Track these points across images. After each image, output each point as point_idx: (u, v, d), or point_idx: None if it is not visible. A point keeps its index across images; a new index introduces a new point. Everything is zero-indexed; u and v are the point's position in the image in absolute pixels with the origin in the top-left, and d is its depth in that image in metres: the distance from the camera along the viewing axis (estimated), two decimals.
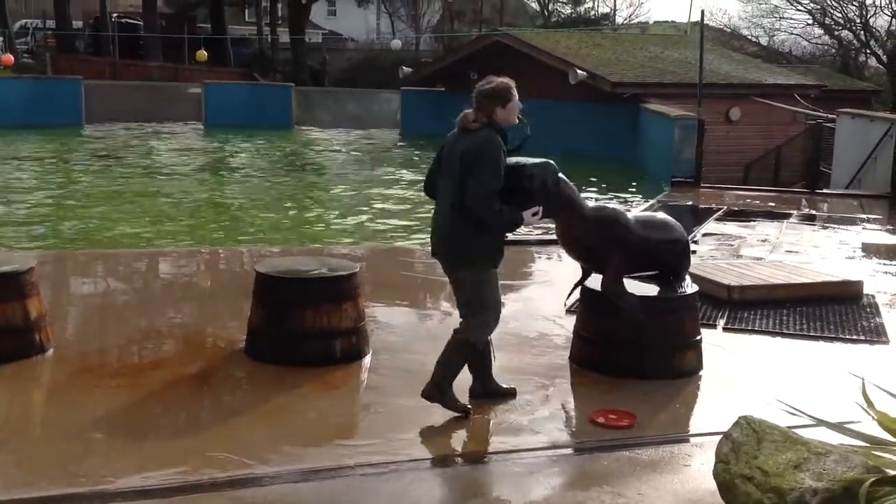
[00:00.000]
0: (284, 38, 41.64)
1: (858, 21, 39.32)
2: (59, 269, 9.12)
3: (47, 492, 4.09)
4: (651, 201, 15.11)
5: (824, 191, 17.55)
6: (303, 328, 5.94)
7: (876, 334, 7.13)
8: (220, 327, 6.90)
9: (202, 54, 33.10)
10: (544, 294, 8.12)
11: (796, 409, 3.63)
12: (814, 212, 14.87)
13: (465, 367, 5.24)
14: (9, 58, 32.40)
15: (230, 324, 6.82)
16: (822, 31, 41.79)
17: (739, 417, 3.70)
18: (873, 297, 8.27)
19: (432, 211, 5.28)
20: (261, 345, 6.10)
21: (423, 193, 5.47)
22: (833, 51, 41.47)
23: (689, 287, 6.14)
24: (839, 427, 3.71)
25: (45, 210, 14.79)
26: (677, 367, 5.93)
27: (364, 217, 14.78)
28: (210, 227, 13.90)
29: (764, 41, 44.10)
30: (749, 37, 44.63)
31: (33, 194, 16.31)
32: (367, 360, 6.17)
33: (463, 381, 5.25)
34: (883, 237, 12.34)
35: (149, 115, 30.05)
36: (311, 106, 31.77)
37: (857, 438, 3.57)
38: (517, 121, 5.10)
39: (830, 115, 19.56)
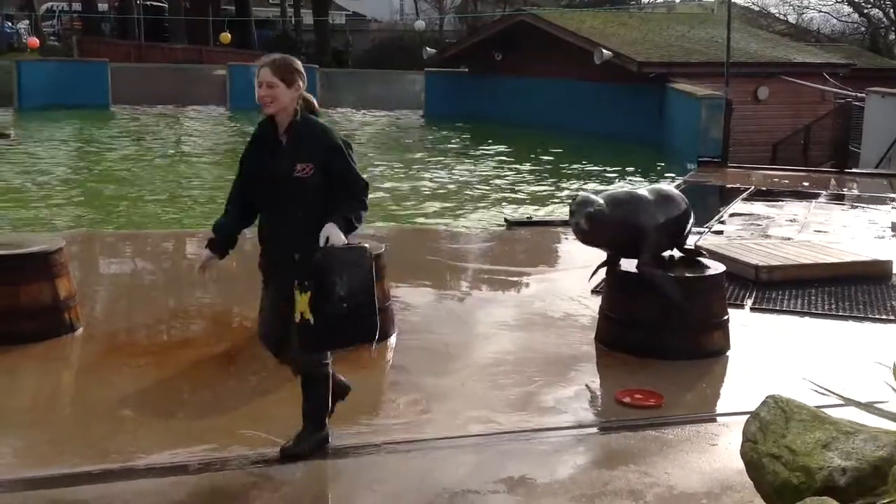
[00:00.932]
0: (308, 19, 41.58)
1: None
2: (88, 250, 9.20)
3: (78, 468, 4.15)
4: (678, 181, 15.01)
5: (853, 170, 17.36)
6: None
7: None
8: (247, 307, 6.91)
9: (226, 36, 33.11)
10: (569, 274, 8.10)
11: (824, 389, 3.60)
12: (843, 191, 14.73)
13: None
14: (35, 41, 32.63)
15: (256, 303, 6.83)
16: (851, 9, 41.21)
17: (767, 397, 3.67)
18: None
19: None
20: None
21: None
22: (862, 29, 40.89)
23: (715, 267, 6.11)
24: (867, 406, 3.67)
25: (73, 191, 14.90)
26: (704, 347, 5.91)
27: (388, 198, 14.78)
28: None
29: (792, 19, 43.56)
30: (777, 15, 44.07)
31: (61, 176, 16.42)
32: (393, 340, 6.18)
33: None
34: None
35: (174, 97, 30.14)
36: (334, 87, 31.73)
37: (886, 418, 3.53)
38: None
39: (860, 94, 19.32)
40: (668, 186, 6.44)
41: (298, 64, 4.22)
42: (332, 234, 3.97)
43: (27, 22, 39.92)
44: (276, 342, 4.27)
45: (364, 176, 4.18)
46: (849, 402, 3.72)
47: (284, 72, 4.09)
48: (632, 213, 5.86)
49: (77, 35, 38.06)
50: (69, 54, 34.33)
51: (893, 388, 3.61)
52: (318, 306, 3.94)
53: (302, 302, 3.95)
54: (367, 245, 4.23)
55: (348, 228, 4.05)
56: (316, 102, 4.34)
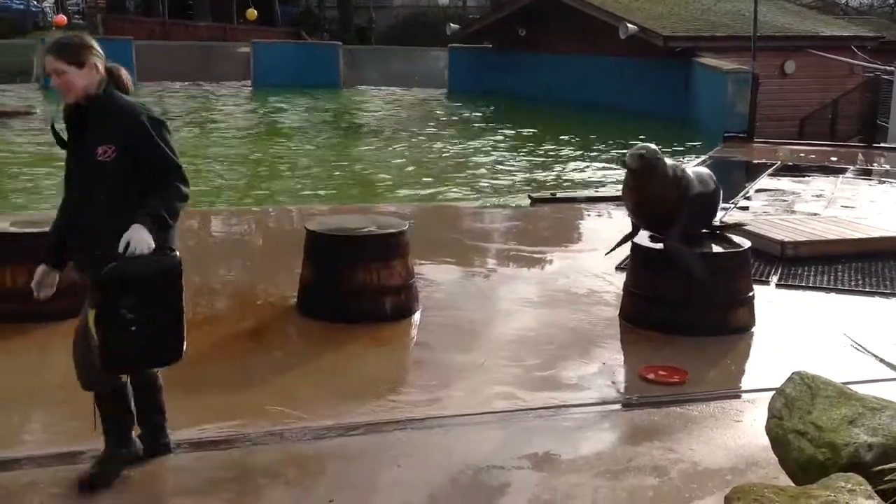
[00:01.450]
0: None
1: None
2: None
3: None
4: (703, 157, 14.90)
5: (881, 145, 17.15)
6: (353, 285, 5.99)
7: None
8: (272, 284, 6.97)
9: (252, 13, 33.07)
10: (594, 251, 8.07)
11: (861, 346, 3.57)
12: (870, 166, 14.56)
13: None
14: (62, 18, 32.76)
15: (281, 281, 6.90)
16: None
17: (793, 373, 3.66)
18: None
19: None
20: (312, 302, 6.17)
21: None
22: (891, 1, 40.26)
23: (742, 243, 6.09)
24: None
25: None
26: (729, 324, 5.89)
27: (413, 175, 14.78)
28: (260, 186, 14.00)
29: None
30: None
31: None
32: (417, 317, 6.21)
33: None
34: None
35: (199, 74, 30.21)
36: (358, 65, 31.67)
37: None
38: None
39: (888, 68, 19.06)
40: (702, 168, 6.42)
41: (88, 40, 3.69)
42: (134, 238, 3.47)
43: (52, 0, 40.10)
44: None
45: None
46: (886, 363, 3.67)
47: (71, 54, 3.58)
48: (678, 182, 5.84)
49: (102, 13, 38.23)
50: (94, 32, 34.42)
51: None
52: (104, 326, 3.48)
53: (90, 317, 3.53)
54: (177, 254, 3.72)
55: (160, 226, 3.60)
56: (128, 77, 3.81)
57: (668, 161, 6.00)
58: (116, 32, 32.66)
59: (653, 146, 5.88)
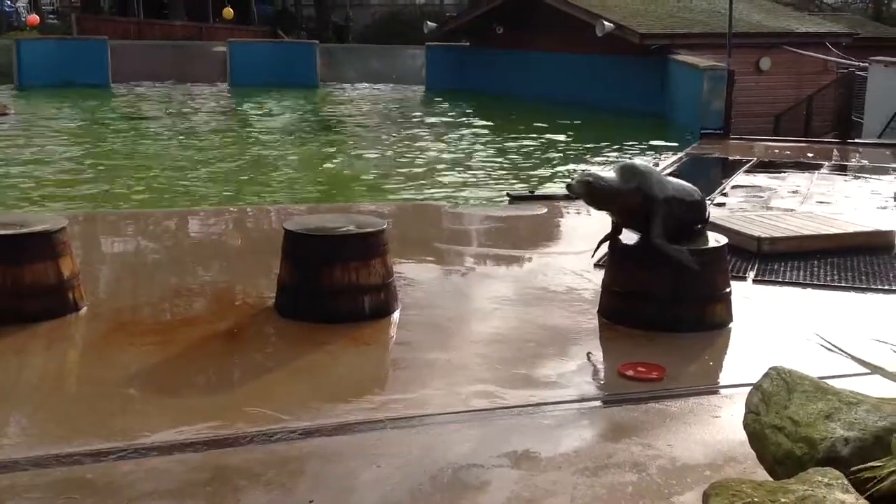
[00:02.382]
0: None
1: None
2: (91, 229, 9.21)
3: (85, 447, 4.17)
4: (680, 154, 14.97)
5: (856, 140, 17.29)
6: (332, 285, 5.97)
7: None
8: (250, 285, 6.95)
9: (228, 12, 32.91)
10: (572, 249, 8.10)
11: (833, 345, 3.59)
12: (845, 162, 14.68)
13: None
14: (34, 18, 32.51)
15: (260, 281, 6.88)
16: None
17: (770, 368, 3.69)
18: None
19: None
20: (290, 302, 6.14)
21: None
22: None
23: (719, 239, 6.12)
24: (870, 365, 3.65)
25: (75, 170, 14.89)
26: (707, 320, 5.92)
27: (390, 174, 14.77)
28: (237, 185, 13.95)
29: None
30: None
31: (62, 155, 16.41)
32: (396, 315, 6.20)
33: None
34: None
35: (174, 74, 30.03)
36: (335, 63, 31.59)
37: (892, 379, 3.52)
38: None
39: (862, 64, 19.21)
40: (687, 183, 6.46)
41: None
42: None
43: (26, 0, 39.72)
44: None
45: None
46: (856, 360, 3.69)
47: None
48: (643, 182, 5.87)
49: (76, 13, 37.90)
50: (68, 32, 34.19)
51: None
52: None
53: None
54: None
55: None
56: None
57: (626, 169, 6.00)
58: (90, 32, 32.42)
59: (596, 172, 6.01)
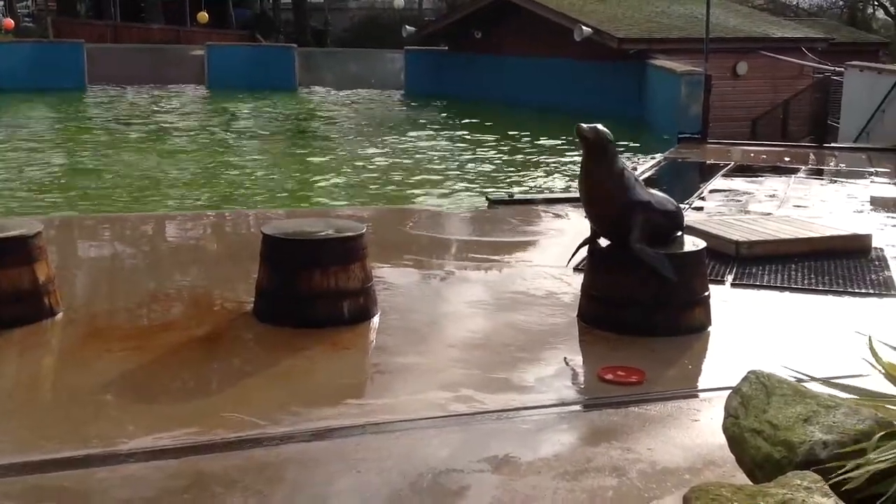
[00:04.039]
0: None
1: None
2: (66, 234, 9.12)
3: (60, 454, 4.12)
4: (658, 157, 15.03)
5: (832, 145, 17.43)
6: (311, 289, 5.94)
7: (885, 287, 7.11)
8: (228, 290, 6.90)
9: (203, 16, 32.82)
10: (552, 253, 8.11)
11: (801, 373, 3.65)
12: (822, 166, 14.79)
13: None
14: (10, 22, 32.26)
15: (238, 286, 6.83)
16: None
17: (748, 372, 3.69)
18: (882, 250, 8.25)
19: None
20: (269, 307, 6.11)
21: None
22: (840, 3, 40.98)
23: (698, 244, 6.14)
24: (841, 386, 3.71)
25: (51, 175, 14.77)
26: (686, 324, 5.93)
27: (369, 178, 14.74)
28: (215, 190, 13.88)
29: None
30: None
31: (38, 158, 16.27)
32: (376, 320, 6.17)
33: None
34: (891, 190, 12.28)
35: (151, 78, 29.91)
36: (314, 67, 31.57)
37: (861, 395, 3.56)
38: None
39: (838, 69, 19.40)
40: (662, 194, 6.49)
41: None
42: None
43: (1, 3, 39.40)
44: None
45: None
46: (825, 382, 3.75)
47: None
48: (629, 175, 5.90)
49: (52, 16, 37.65)
50: (44, 35, 33.96)
51: (871, 363, 3.65)
52: None
53: None
54: None
55: None
56: None
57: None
58: (67, 35, 32.24)
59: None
